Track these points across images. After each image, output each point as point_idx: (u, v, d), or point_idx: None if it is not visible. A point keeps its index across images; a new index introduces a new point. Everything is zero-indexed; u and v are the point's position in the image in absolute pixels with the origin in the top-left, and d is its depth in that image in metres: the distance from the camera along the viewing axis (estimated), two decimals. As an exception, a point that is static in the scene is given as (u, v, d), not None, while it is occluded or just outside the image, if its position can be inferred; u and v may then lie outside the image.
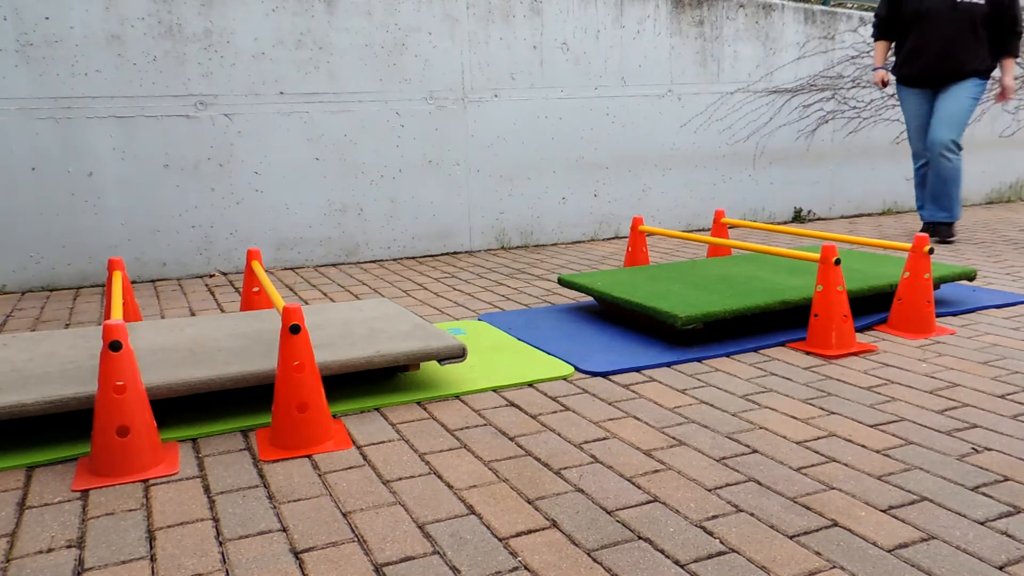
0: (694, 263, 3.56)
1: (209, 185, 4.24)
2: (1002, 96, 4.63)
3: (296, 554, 1.43)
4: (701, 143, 5.56)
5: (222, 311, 3.43)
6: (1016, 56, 4.55)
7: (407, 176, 4.68)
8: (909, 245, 2.83)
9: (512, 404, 2.19)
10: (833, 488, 1.65)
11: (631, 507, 1.58)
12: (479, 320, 3.14)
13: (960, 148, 4.66)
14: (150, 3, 3.99)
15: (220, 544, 1.47)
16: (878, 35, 4.90)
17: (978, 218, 6.06)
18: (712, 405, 2.15)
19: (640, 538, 1.46)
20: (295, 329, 1.87)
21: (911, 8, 4.70)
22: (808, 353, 2.60)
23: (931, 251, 2.78)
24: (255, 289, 3.03)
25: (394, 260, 4.70)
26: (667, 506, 1.58)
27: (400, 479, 1.73)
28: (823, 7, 5.95)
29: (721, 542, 1.44)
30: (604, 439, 1.93)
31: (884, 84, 4.87)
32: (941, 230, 4.87)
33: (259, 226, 4.38)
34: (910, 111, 4.88)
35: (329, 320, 2.57)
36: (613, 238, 5.35)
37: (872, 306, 3.07)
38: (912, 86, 4.82)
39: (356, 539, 1.48)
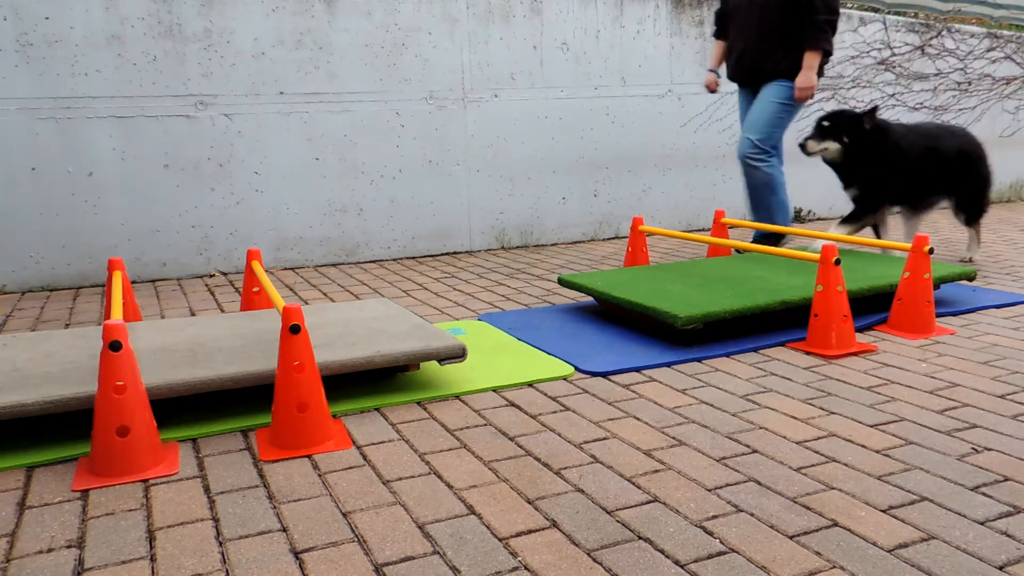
0: (694, 263, 3.56)
1: (209, 185, 4.24)
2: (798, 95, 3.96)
3: (296, 554, 1.43)
4: (701, 143, 5.56)
5: (222, 311, 3.43)
6: (819, 49, 3.86)
7: (407, 176, 4.68)
8: (909, 245, 2.83)
9: (512, 404, 2.19)
10: (833, 488, 1.65)
11: (631, 507, 1.58)
12: (479, 320, 3.14)
13: (768, 153, 4.09)
14: (150, 3, 3.99)
15: (220, 544, 1.47)
16: (716, 34, 4.40)
17: (978, 218, 6.06)
18: (712, 405, 2.15)
19: (640, 538, 1.46)
20: (295, 329, 1.87)
21: (729, 5, 4.26)
22: (808, 353, 2.60)
23: (931, 251, 2.77)
24: (255, 289, 3.03)
25: (394, 260, 4.70)
26: (667, 506, 1.58)
27: (400, 479, 1.73)
28: (823, 7, 5.94)
29: (721, 542, 1.44)
30: (604, 439, 1.93)
31: (711, 89, 4.38)
32: (766, 242, 4.25)
33: (259, 226, 4.38)
34: (740, 113, 4.37)
35: (329, 320, 2.57)
36: (613, 238, 5.35)
37: (872, 306, 3.07)
38: (738, 85, 4.33)
39: (356, 539, 1.48)
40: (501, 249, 4.99)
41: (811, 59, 3.89)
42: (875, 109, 3.75)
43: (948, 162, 3.88)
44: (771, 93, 4.05)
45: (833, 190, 6.18)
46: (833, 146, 3.79)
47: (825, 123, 3.79)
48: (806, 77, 3.90)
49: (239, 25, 4.18)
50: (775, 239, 4.31)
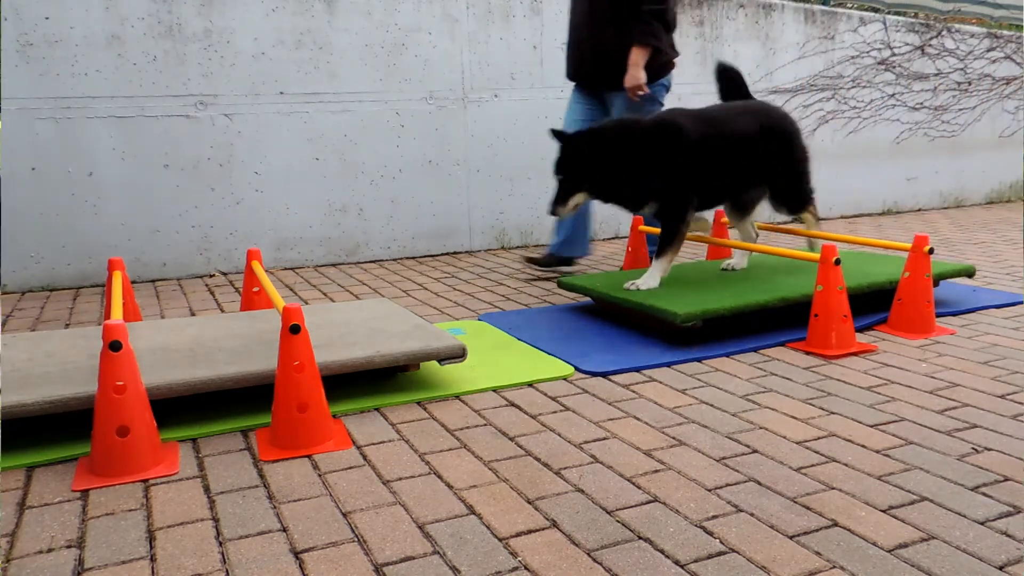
0: (694, 264, 3.56)
1: (209, 185, 4.24)
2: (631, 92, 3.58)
3: (296, 554, 1.43)
4: (701, 143, 5.55)
5: (222, 311, 3.43)
6: (646, 45, 3.50)
7: (407, 176, 4.68)
8: (909, 245, 2.83)
9: (512, 404, 2.19)
10: (833, 488, 1.65)
11: (631, 507, 1.58)
12: (479, 320, 3.14)
13: None
14: (150, 3, 3.99)
15: (220, 544, 1.47)
16: None
17: (978, 218, 6.06)
18: (712, 405, 2.15)
19: (640, 538, 1.46)
20: (295, 329, 1.87)
21: None
22: (808, 353, 2.60)
23: (931, 251, 2.78)
24: (255, 289, 3.03)
25: (394, 260, 4.70)
26: (667, 506, 1.58)
27: (400, 479, 1.73)
28: (823, 7, 5.95)
29: (721, 542, 1.44)
30: (604, 439, 1.93)
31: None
32: (541, 260, 3.94)
33: (259, 226, 4.38)
34: (568, 111, 3.93)
35: (329, 320, 2.57)
36: (613, 238, 5.35)
37: (872, 306, 3.06)
38: (576, 84, 3.92)
39: (356, 539, 1.48)
40: (501, 249, 4.99)
41: (636, 55, 3.52)
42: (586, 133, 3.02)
43: (748, 145, 3.10)
44: (620, 107, 3.66)
45: (833, 190, 6.19)
46: (581, 198, 3.04)
47: (560, 176, 3.04)
48: (631, 76, 3.53)
49: (239, 25, 4.18)
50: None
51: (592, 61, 3.71)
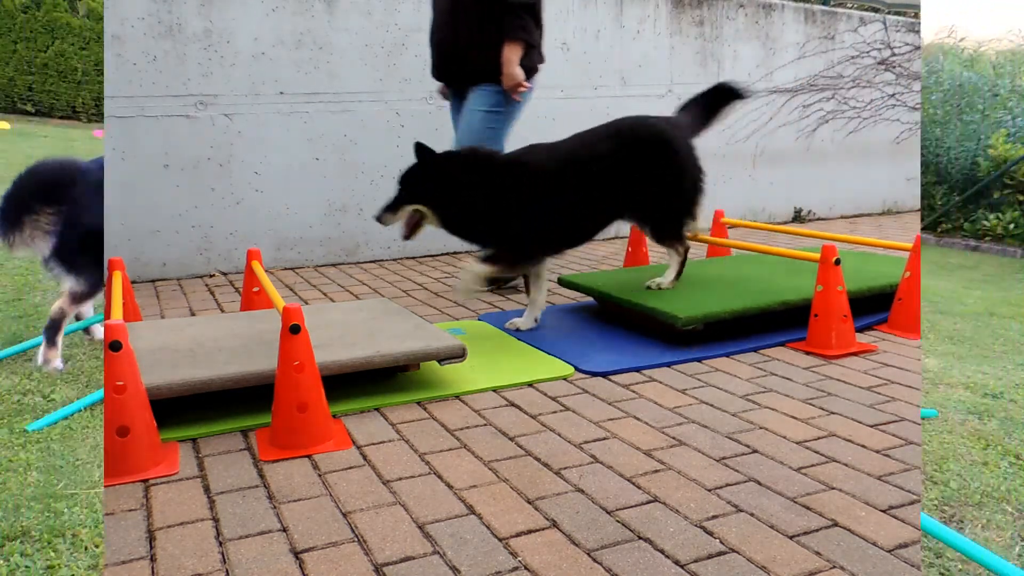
0: (694, 263, 3.55)
1: (209, 185, 4.24)
2: (511, 89, 3.34)
3: (296, 554, 1.43)
4: (701, 143, 5.54)
5: (222, 311, 3.43)
6: (518, 39, 3.25)
7: (407, 176, 4.67)
8: (909, 245, 2.83)
9: (512, 404, 2.19)
10: (833, 488, 1.65)
11: (631, 507, 1.58)
12: (479, 320, 3.14)
13: None
14: (150, 3, 3.99)
15: (220, 544, 1.47)
16: None
17: (978, 218, 6.06)
18: (712, 405, 2.15)
19: (640, 538, 1.46)
20: (295, 329, 1.87)
21: None
22: (808, 353, 2.60)
23: (931, 251, 2.77)
24: (255, 289, 3.03)
25: (394, 260, 4.69)
26: (667, 506, 1.58)
27: (400, 479, 1.73)
28: (823, 7, 5.95)
29: (721, 542, 1.44)
30: (604, 439, 1.93)
31: (444, 96, 3.80)
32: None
33: (259, 226, 4.38)
34: (451, 110, 3.66)
35: (329, 320, 2.57)
36: (613, 238, 5.34)
37: (872, 306, 3.06)
38: (446, 86, 3.67)
39: (356, 539, 1.48)
40: (501, 249, 4.99)
41: (510, 51, 3.25)
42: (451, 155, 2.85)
43: (613, 162, 2.86)
44: (476, 102, 3.39)
45: (833, 190, 6.19)
46: (421, 211, 2.77)
47: (399, 186, 2.80)
48: (508, 75, 3.28)
49: (239, 25, 4.18)
50: None
51: (454, 59, 3.44)
